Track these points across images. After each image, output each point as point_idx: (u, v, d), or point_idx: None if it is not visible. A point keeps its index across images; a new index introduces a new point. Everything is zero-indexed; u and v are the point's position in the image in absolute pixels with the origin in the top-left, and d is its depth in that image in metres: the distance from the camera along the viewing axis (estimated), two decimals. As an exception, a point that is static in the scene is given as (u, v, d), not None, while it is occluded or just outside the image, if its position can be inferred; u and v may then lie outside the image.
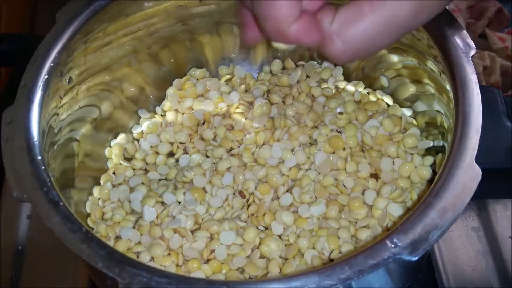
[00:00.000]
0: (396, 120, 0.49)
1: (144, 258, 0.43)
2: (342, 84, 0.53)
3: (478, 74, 0.59)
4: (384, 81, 0.52)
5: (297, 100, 0.51)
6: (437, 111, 0.46)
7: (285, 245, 0.45)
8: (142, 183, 0.49)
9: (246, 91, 0.54)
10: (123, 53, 0.50)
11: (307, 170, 0.48)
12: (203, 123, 0.53)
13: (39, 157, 0.39)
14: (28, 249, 0.53)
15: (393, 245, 0.34)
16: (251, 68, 0.57)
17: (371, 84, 0.53)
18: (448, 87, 0.41)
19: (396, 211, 0.44)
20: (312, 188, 0.47)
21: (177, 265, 0.43)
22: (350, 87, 0.53)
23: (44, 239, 0.53)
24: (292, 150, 0.49)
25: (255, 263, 0.43)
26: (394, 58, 0.50)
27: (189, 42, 0.54)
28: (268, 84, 0.54)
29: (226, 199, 0.47)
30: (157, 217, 0.45)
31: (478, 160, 0.37)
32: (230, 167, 0.49)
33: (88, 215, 0.47)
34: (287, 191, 0.47)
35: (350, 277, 0.33)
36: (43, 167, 0.39)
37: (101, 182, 0.50)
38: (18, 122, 0.41)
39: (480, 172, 0.37)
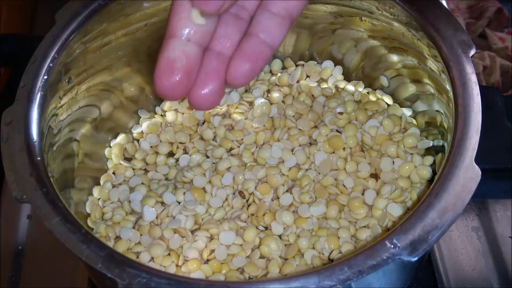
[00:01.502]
0: (396, 120, 0.49)
1: (144, 258, 0.43)
2: (342, 84, 0.53)
3: (478, 74, 0.59)
4: (384, 81, 0.52)
5: (297, 100, 0.51)
6: (437, 111, 0.46)
7: (285, 245, 0.45)
8: (142, 183, 0.49)
9: (246, 91, 0.54)
10: (123, 53, 0.50)
11: (307, 170, 0.48)
12: (203, 123, 0.53)
13: (39, 158, 0.40)
14: (28, 249, 0.53)
15: (392, 246, 0.34)
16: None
17: (371, 84, 0.53)
18: (448, 87, 0.41)
19: (396, 211, 0.44)
20: (312, 188, 0.47)
21: (177, 266, 0.43)
22: (350, 87, 0.53)
23: (44, 239, 0.53)
24: (292, 150, 0.49)
25: (255, 263, 0.43)
26: (394, 57, 0.50)
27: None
28: (268, 83, 0.54)
29: (226, 199, 0.47)
30: (157, 217, 0.45)
31: (478, 160, 0.37)
32: (230, 167, 0.49)
33: (88, 215, 0.47)
34: (287, 191, 0.47)
35: (350, 278, 0.33)
36: (43, 168, 0.39)
37: (101, 182, 0.50)
38: (18, 123, 0.41)
39: (480, 172, 0.37)
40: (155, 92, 0.33)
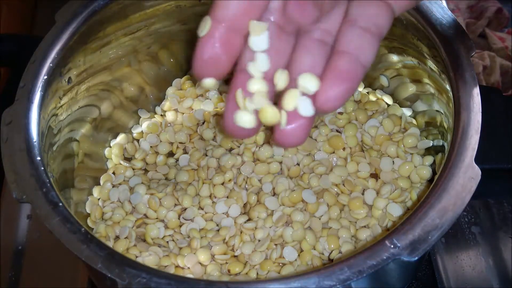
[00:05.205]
0: (396, 120, 0.49)
1: (144, 259, 0.43)
2: (342, 84, 0.53)
3: (478, 74, 0.59)
4: (384, 81, 0.52)
5: (297, 100, 0.51)
6: (437, 110, 0.46)
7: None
8: (142, 183, 0.49)
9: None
10: (122, 53, 0.50)
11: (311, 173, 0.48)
12: (203, 123, 0.53)
13: (39, 158, 0.39)
14: (28, 249, 0.53)
15: (392, 246, 0.34)
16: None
17: (371, 83, 0.53)
18: (448, 87, 0.41)
19: (396, 211, 0.44)
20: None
21: (176, 266, 0.43)
22: (350, 87, 0.53)
23: (44, 239, 0.54)
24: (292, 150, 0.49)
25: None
26: (394, 57, 0.50)
27: (188, 42, 0.54)
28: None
29: (227, 198, 0.47)
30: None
31: (478, 160, 0.37)
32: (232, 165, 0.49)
33: (88, 215, 0.47)
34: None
35: (350, 278, 0.33)
36: (43, 168, 0.39)
37: (101, 182, 0.50)
38: (18, 123, 0.41)
39: (480, 172, 0.37)
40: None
